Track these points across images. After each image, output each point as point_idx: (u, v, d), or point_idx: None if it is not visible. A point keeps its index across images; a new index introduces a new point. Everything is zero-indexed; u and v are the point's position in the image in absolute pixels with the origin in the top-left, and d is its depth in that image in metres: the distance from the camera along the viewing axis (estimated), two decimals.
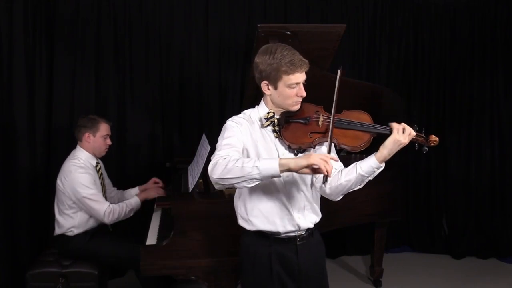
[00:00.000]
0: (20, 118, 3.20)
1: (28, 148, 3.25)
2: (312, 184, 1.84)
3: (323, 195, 1.86)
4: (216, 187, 1.62)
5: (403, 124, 1.70)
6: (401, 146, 1.68)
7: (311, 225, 1.86)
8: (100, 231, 2.88)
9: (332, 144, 1.73)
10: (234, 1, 3.86)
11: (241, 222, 1.87)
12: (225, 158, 1.58)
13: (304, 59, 1.71)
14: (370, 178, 1.74)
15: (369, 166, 1.70)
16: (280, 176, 1.59)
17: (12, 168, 3.16)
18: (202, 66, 3.87)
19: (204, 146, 2.87)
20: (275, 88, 1.74)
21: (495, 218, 4.16)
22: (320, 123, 1.76)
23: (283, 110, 1.80)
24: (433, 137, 1.76)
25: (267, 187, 1.77)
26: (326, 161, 1.51)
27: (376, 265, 3.55)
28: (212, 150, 1.75)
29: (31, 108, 3.30)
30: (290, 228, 1.81)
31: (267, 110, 1.81)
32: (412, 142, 1.73)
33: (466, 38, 4.14)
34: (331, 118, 1.72)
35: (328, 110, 1.76)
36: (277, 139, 1.80)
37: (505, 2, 4.04)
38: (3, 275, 3.06)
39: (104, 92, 3.69)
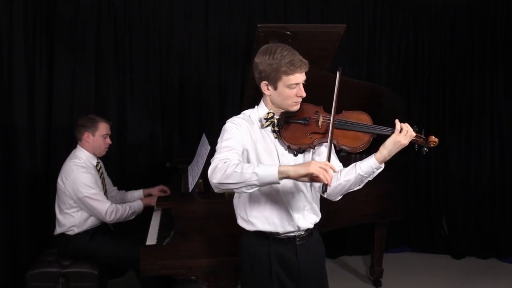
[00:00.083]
0: (20, 118, 3.20)
1: (28, 148, 3.25)
2: (311, 185, 1.84)
3: (322, 195, 1.86)
4: (216, 190, 1.62)
5: (404, 124, 1.70)
6: (401, 147, 1.69)
7: (311, 226, 1.86)
8: (100, 231, 2.88)
9: (332, 145, 1.73)
10: (234, 1, 3.86)
11: (240, 223, 1.87)
12: (225, 162, 1.58)
13: (304, 60, 1.71)
14: (370, 178, 1.74)
15: (369, 167, 1.70)
16: (279, 183, 1.58)
17: (12, 168, 3.16)
18: (202, 66, 3.87)
19: (204, 146, 2.87)
20: (275, 88, 1.74)
21: (495, 218, 4.16)
22: (319, 123, 1.76)
23: (283, 111, 1.80)
24: (433, 138, 1.76)
25: (267, 187, 1.76)
26: (326, 170, 1.50)
27: (376, 265, 3.55)
28: (212, 150, 1.75)
29: (31, 108, 3.30)
30: (289, 228, 1.81)
31: (267, 111, 1.81)
32: (411, 143, 1.74)
33: (466, 38, 4.14)
34: (331, 119, 1.71)
35: (328, 111, 1.76)
36: (276, 139, 1.80)
37: (505, 2, 4.03)
38: (3, 275, 3.06)
39: (104, 92, 3.69)
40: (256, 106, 1.87)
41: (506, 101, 4.12)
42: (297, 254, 1.83)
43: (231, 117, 1.83)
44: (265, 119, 1.79)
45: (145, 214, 2.99)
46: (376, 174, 1.73)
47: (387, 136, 1.70)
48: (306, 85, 1.76)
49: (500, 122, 4.14)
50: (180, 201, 2.52)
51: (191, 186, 2.68)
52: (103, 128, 2.91)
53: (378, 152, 1.70)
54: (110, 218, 2.79)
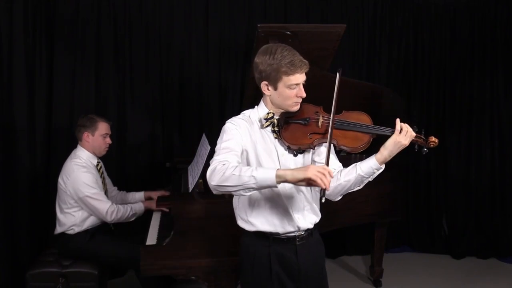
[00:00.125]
0: (20, 118, 3.20)
1: (28, 148, 3.25)
2: None
3: (320, 200, 1.85)
4: (214, 192, 1.61)
5: (403, 124, 1.70)
6: (402, 147, 1.69)
7: (311, 226, 1.86)
8: (100, 231, 2.88)
9: (332, 145, 1.73)
10: (234, 1, 3.86)
11: (240, 223, 1.87)
12: (223, 164, 1.57)
13: (304, 60, 1.71)
14: (370, 179, 1.74)
15: (369, 167, 1.70)
16: (276, 187, 1.58)
17: (12, 168, 3.16)
18: (202, 66, 3.87)
19: (204, 146, 2.87)
20: (275, 88, 1.74)
21: (495, 218, 4.16)
22: (319, 124, 1.76)
23: (283, 111, 1.79)
24: (433, 139, 1.76)
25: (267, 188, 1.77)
26: (324, 174, 1.49)
27: (376, 265, 3.55)
28: (212, 150, 1.75)
29: (31, 108, 3.30)
30: (289, 228, 1.81)
31: (267, 111, 1.80)
32: (411, 144, 1.73)
33: (466, 38, 4.14)
34: (331, 121, 1.71)
35: (328, 111, 1.76)
36: (276, 139, 1.79)
37: (505, 2, 4.03)
38: (3, 275, 3.06)
39: (104, 92, 3.69)
40: (256, 106, 1.87)
41: (506, 101, 4.12)
42: (297, 254, 1.83)
43: (231, 117, 1.83)
44: (265, 119, 1.79)
45: (145, 214, 3.00)
46: (376, 175, 1.73)
47: (387, 137, 1.70)
48: (306, 85, 1.76)
49: (500, 122, 4.14)
50: (180, 201, 2.53)
51: (191, 186, 2.68)
52: (102, 127, 2.91)
53: (379, 153, 1.70)
54: (110, 218, 2.80)
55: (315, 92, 1.85)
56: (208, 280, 2.41)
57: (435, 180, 4.25)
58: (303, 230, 1.84)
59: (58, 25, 3.55)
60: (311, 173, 1.49)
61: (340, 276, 3.74)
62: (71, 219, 2.80)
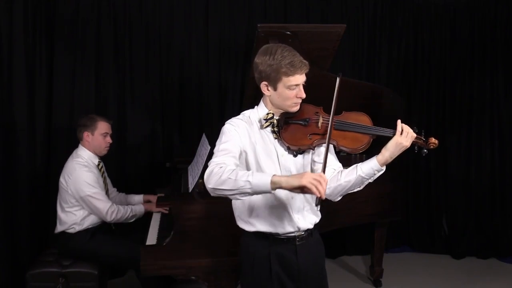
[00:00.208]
0: (20, 118, 3.20)
1: (28, 148, 3.25)
2: None
3: (315, 207, 1.85)
4: (212, 195, 1.61)
5: (403, 125, 1.70)
6: (403, 149, 1.68)
7: (311, 226, 1.86)
8: (101, 230, 2.89)
9: (331, 146, 1.73)
10: (234, 1, 3.86)
11: (240, 224, 1.87)
12: (221, 167, 1.57)
13: (304, 61, 1.71)
14: (370, 180, 1.74)
15: (370, 168, 1.70)
16: (271, 193, 1.57)
17: (12, 168, 3.16)
18: (202, 66, 3.87)
19: (204, 146, 2.87)
20: (275, 89, 1.74)
21: (495, 218, 4.16)
22: (319, 124, 1.76)
23: (283, 111, 1.79)
24: (433, 140, 1.75)
25: None
26: (320, 182, 1.48)
27: (376, 265, 3.55)
28: (212, 151, 1.75)
29: (31, 108, 3.30)
30: (289, 229, 1.81)
31: (267, 111, 1.80)
32: (411, 145, 1.73)
33: (466, 38, 4.14)
34: (330, 122, 1.71)
35: (328, 111, 1.76)
36: (276, 140, 1.79)
37: (505, 2, 4.03)
38: (3, 275, 3.06)
39: (104, 92, 3.69)
40: (255, 107, 1.86)
41: (506, 101, 4.12)
42: (297, 254, 1.83)
43: (231, 117, 1.83)
44: (264, 119, 1.79)
45: (145, 215, 3.00)
46: (377, 177, 1.73)
47: (388, 138, 1.70)
48: (306, 86, 1.76)
49: (500, 122, 4.14)
50: (180, 201, 2.52)
51: (191, 186, 2.68)
52: (102, 127, 2.92)
53: (380, 154, 1.69)
54: (110, 218, 2.80)
55: (315, 92, 1.84)
56: (208, 280, 2.41)
57: (435, 180, 4.25)
58: (303, 230, 1.84)
59: (58, 25, 3.55)
60: (306, 181, 1.48)
61: (340, 276, 3.74)
62: (72, 217, 2.81)
